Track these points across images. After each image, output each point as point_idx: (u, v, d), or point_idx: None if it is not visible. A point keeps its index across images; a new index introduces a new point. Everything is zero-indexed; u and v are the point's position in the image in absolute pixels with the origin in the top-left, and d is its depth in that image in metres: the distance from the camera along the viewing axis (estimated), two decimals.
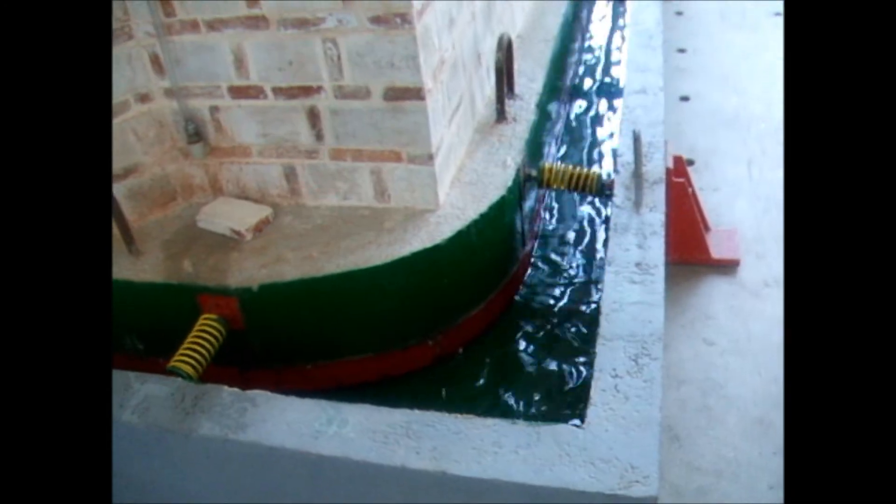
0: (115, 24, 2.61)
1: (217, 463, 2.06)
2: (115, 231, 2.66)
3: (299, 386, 2.55)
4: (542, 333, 3.05)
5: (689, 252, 3.09)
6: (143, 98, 2.75)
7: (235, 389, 2.12)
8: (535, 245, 3.49)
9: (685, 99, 4.35)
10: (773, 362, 2.66)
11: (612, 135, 4.49)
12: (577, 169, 3.11)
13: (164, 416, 2.08)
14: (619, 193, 2.79)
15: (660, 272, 2.41)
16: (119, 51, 2.64)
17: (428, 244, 2.60)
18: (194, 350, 2.42)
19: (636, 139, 2.79)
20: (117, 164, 2.75)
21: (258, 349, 2.65)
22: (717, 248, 3.14)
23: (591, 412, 1.94)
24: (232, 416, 2.06)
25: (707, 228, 3.20)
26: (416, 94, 2.52)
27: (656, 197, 2.77)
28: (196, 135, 2.79)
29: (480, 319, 2.93)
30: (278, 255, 2.62)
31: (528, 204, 3.22)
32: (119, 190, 2.71)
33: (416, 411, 2.00)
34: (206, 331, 2.48)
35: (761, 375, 2.63)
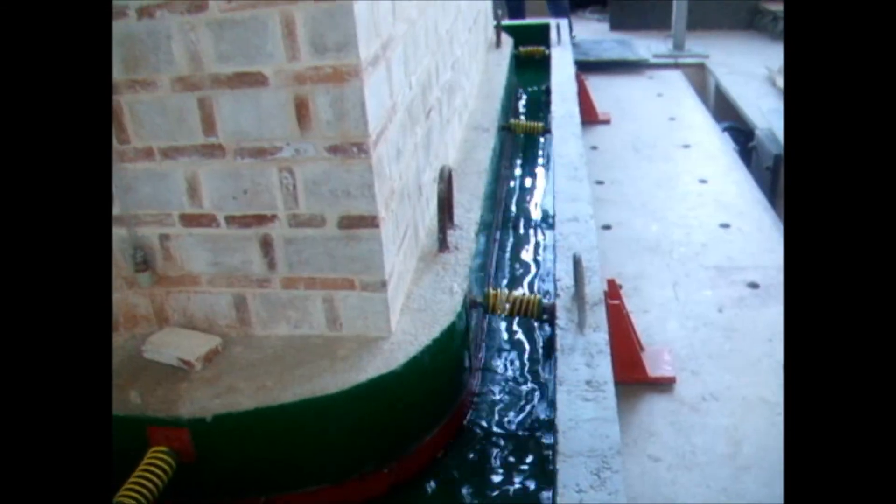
0: None
1: None
2: None
3: None
4: (494, 455, 3.05)
5: (628, 372, 3.17)
6: None
7: None
8: (481, 369, 3.52)
9: (607, 227, 4.56)
10: (719, 473, 2.73)
11: (547, 261, 4.65)
12: (519, 294, 3.21)
13: None
14: (562, 316, 2.90)
15: (610, 388, 2.49)
16: None
17: (383, 371, 2.60)
18: (141, 485, 2.32)
19: (577, 263, 2.92)
20: None
21: (208, 483, 2.55)
22: (653, 367, 3.24)
23: None
24: None
25: (642, 349, 3.30)
26: (371, 222, 2.59)
27: (598, 318, 2.88)
28: (144, 263, 2.77)
29: (434, 445, 2.92)
30: (231, 385, 2.58)
31: (473, 329, 3.28)
32: None
33: None
34: (154, 464, 2.38)
35: (709, 487, 2.68)
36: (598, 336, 2.78)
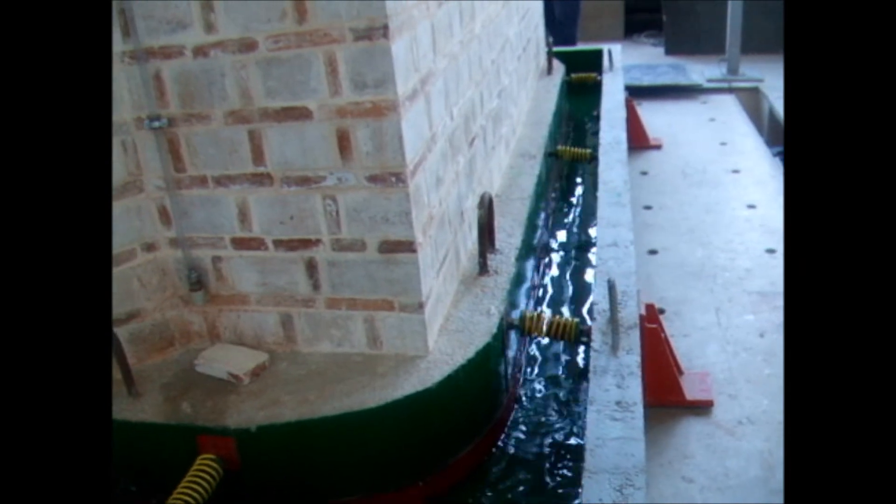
0: (128, 178, 2.84)
1: None
2: (116, 373, 2.79)
3: None
4: (527, 473, 3.14)
5: (665, 395, 3.22)
6: (150, 247, 2.94)
7: None
8: (519, 391, 3.61)
9: (653, 252, 4.61)
10: (750, 496, 2.76)
11: (587, 286, 4.72)
12: (556, 317, 3.30)
13: None
14: (597, 339, 2.98)
15: (639, 409, 2.57)
16: (130, 203, 2.85)
17: (419, 388, 2.73)
18: (192, 489, 2.49)
19: (611, 287, 3.00)
20: (121, 308, 2.90)
21: (251, 490, 2.70)
22: (691, 391, 3.27)
23: None
24: None
25: (680, 372, 3.35)
26: (409, 246, 2.73)
27: (632, 341, 2.95)
28: (198, 283, 2.96)
29: (468, 461, 3.02)
30: (275, 398, 2.74)
31: (511, 351, 3.38)
32: (121, 334, 2.83)
33: None
34: (203, 470, 2.55)
35: None
36: (631, 358, 2.85)
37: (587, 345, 3.10)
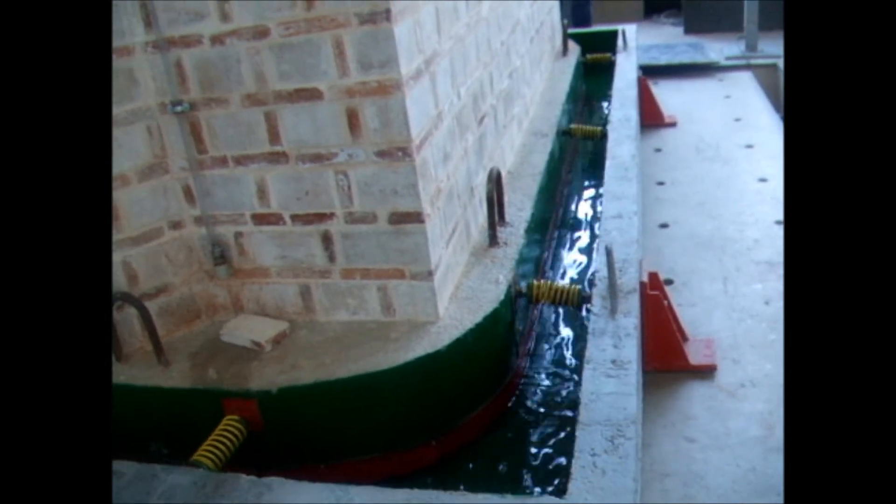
0: (154, 160, 3.04)
1: None
2: (147, 345, 3.01)
3: None
4: (535, 431, 3.31)
5: (668, 360, 3.35)
6: (176, 225, 3.14)
7: (252, 477, 2.41)
8: (529, 357, 3.77)
9: (664, 226, 4.73)
10: (750, 454, 2.89)
11: (591, 255, 4.85)
12: (561, 284, 3.46)
13: (188, 502, 2.35)
14: (597, 303, 3.13)
15: (633, 367, 2.72)
16: (156, 183, 3.06)
17: (430, 350, 2.90)
18: (216, 446, 2.69)
19: (608, 253, 3.15)
20: (150, 283, 3.11)
21: (274, 450, 2.89)
22: (695, 356, 3.40)
23: (571, 485, 2.21)
24: (249, 499, 2.34)
25: (685, 339, 3.47)
26: (417, 217, 2.90)
27: (630, 305, 3.10)
28: (221, 258, 3.16)
29: (479, 421, 3.19)
30: (295, 363, 2.93)
31: (521, 320, 3.53)
32: (151, 307, 3.04)
33: (416, 490, 2.29)
34: (228, 430, 2.75)
35: (739, 466, 2.85)
36: (628, 321, 3.00)
37: (589, 310, 3.24)
